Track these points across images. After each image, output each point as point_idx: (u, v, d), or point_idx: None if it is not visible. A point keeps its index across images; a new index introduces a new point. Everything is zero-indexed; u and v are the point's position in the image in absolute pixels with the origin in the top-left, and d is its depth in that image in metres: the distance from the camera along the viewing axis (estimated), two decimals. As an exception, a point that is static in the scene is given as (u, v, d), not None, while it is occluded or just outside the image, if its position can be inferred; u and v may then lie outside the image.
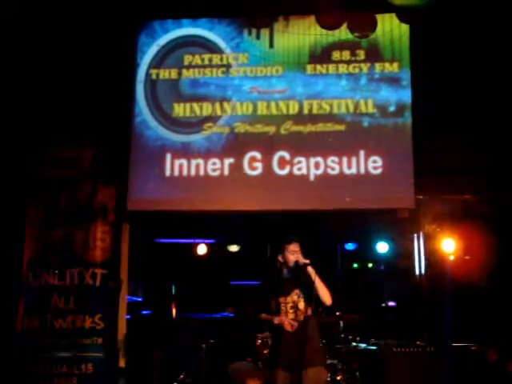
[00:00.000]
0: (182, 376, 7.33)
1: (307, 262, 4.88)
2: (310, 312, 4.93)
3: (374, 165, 6.70)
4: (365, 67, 6.93)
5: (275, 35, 7.07)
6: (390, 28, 6.93)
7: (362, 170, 6.70)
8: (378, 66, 6.92)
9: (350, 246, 10.18)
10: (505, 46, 6.53)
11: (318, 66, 6.97)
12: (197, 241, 9.88)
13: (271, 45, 7.07)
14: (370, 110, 6.83)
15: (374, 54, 6.94)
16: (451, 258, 7.56)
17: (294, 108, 6.90)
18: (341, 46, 6.97)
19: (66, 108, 6.90)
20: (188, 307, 9.48)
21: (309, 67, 6.99)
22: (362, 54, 6.95)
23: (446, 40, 6.59)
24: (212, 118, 6.99)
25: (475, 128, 6.69)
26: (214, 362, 7.14)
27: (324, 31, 6.94)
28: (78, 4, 6.58)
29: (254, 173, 6.81)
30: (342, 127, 6.84)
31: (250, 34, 7.12)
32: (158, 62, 7.16)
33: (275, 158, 6.80)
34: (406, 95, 6.81)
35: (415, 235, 8.07)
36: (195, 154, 6.91)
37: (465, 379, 6.38)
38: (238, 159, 6.83)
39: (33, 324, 6.52)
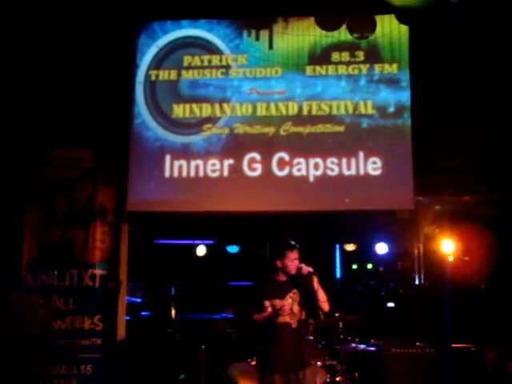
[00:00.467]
0: (181, 377, 7.33)
1: (311, 270, 4.89)
2: (304, 316, 4.95)
3: (374, 166, 6.70)
4: (364, 68, 6.93)
5: (274, 36, 7.07)
6: (390, 29, 6.93)
7: (362, 171, 6.70)
8: (377, 67, 6.92)
9: (349, 247, 10.19)
10: (504, 46, 6.54)
11: (318, 67, 6.97)
12: (196, 242, 9.88)
13: (270, 46, 7.07)
14: (370, 111, 6.83)
15: (374, 55, 6.94)
16: (450, 258, 7.56)
17: (293, 109, 6.91)
18: (340, 47, 6.97)
19: (66, 109, 6.90)
20: (187, 308, 9.48)
21: (308, 68, 6.99)
22: (361, 55, 6.95)
23: (444, 41, 6.60)
24: (211, 119, 6.99)
25: (474, 129, 6.70)
26: (213, 363, 7.14)
27: (323, 32, 6.95)
28: (78, 5, 6.58)
29: (254, 174, 6.81)
30: (341, 128, 6.84)
31: (249, 35, 7.12)
32: (158, 63, 7.16)
33: (274, 159, 6.80)
34: (405, 96, 6.81)
35: (414, 236, 8.07)
36: (195, 155, 6.90)
37: (464, 380, 6.39)
38: (237, 160, 6.83)
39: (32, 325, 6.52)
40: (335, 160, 6.74)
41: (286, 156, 6.81)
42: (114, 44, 6.85)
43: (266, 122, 6.92)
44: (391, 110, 6.82)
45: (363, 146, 6.75)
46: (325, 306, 4.92)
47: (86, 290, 6.62)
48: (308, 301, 4.93)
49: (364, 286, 10.73)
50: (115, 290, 6.73)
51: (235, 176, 6.82)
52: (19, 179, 6.81)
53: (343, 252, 10.51)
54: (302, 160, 6.78)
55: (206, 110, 7.01)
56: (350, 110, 6.86)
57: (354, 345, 6.86)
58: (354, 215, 7.19)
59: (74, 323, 6.53)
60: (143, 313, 9.56)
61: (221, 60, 7.11)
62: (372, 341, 7.12)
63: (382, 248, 9.22)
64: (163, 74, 7.13)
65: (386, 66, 6.92)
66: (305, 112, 6.89)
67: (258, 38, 7.10)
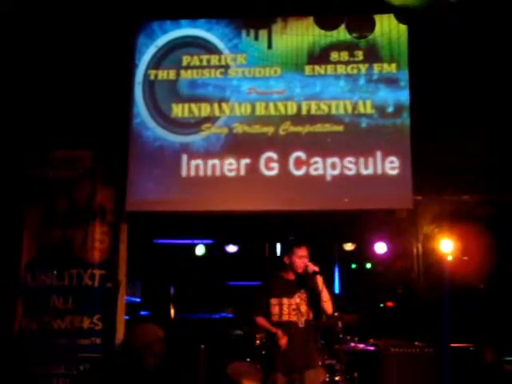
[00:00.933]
0: (180, 377, 7.32)
1: (317, 269, 4.87)
2: (311, 316, 4.94)
3: (373, 165, 6.70)
4: (363, 68, 6.93)
5: (273, 36, 7.07)
6: (389, 29, 6.93)
7: (361, 171, 6.70)
8: (376, 67, 6.92)
9: (348, 247, 10.18)
10: (503, 46, 6.54)
11: (317, 67, 6.97)
12: (195, 241, 9.88)
13: (269, 46, 7.07)
14: (369, 110, 6.83)
15: (373, 55, 6.94)
16: (449, 258, 7.56)
17: (292, 109, 6.91)
18: (339, 46, 6.97)
19: (65, 109, 6.90)
20: (187, 308, 9.49)
21: (307, 68, 6.99)
22: (360, 55, 6.95)
23: (443, 40, 6.60)
24: (210, 119, 6.99)
25: (473, 129, 6.70)
26: (212, 363, 7.14)
27: (322, 32, 6.95)
28: (77, 5, 6.58)
29: (253, 173, 6.81)
30: (340, 128, 6.84)
31: (248, 34, 7.12)
32: (157, 62, 7.16)
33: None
34: (404, 96, 6.81)
35: (413, 236, 8.06)
36: (194, 155, 6.91)
37: (463, 379, 6.39)
38: (237, 160, 6.83)
39: (31, 325, 6.52)
40: (334, 160, 6.74)
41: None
42: (113, 44, 6.84)
43: (265, 121, 6.92)
44: (390, 109, 6.82)
45: (362, 146, 6.75)
46: (328, 306, 4.91)
47: (86, 290, 6.62)
48: (312, 301, 4.92)
49: (363, 285, 10.73)
50: (114, 289, 6.73)
51: (234, 176, 6.82)
52: (19, 179, 6.81)
53: (342, 251, 10.51)
54: (300, 160, 6.79)
55: (204, 110, 7.01)
56: (349, 110, 6.86)
57: (353, 344, 6.86)
58: (353, 215, 7.19)
59: (74, 323, 6.53)
60: (142, 312, 9.57)
61: (220, 60, 7.11)
62: (371, 340, 7.12)
63: (380, 248, 9.22)
64: (162, 74, 7.13)
65: (385, 65, 6.92)
66: (304, 112, 6.90)
67: (256, 38, 7.11)
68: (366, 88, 6.89)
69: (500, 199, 6.89)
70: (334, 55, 6.97)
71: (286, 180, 6.77)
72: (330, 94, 6.92)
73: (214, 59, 7.11)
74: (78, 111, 6.87)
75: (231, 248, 10.06)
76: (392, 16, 6.87)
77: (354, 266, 10.97)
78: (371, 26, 6.90)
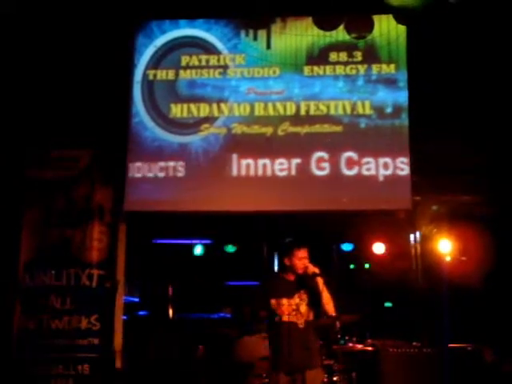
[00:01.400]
0: (179, 377, 7.33)
1: (317, 271, 4.88)
2: (311, 316, 4.94)
3: (371, 166, 6.70)
4: (362, 68, 6.93)
5: (272, 36, 7.07)
6: (387, 29, 6.93)
7: (359, 171, 6.71)
8: (374, 68, 6.92)
9: (346, 247, 10.20)
10: (502, 46, 6.54)
11: (316, 68, 6.97)
12: (193, 241, 9.88)
13: (268, 46, 7.07)
14: (367, 111, 6.83)
15: (371, 56, 6.94)
16: (448, 258, 7.58)
17: (291, 109, 6.91)
18: (338, 47, 6.97)
19: (64, 109, 6.89)
20: (185, 308, 9.49)
21: (306, 68, 6.99)
22: (359, 56, 6.95)
23: (442, 41, 6.60)
24: (209, 119, 6.99)
25: (472, 129, 6.71)
26: (211, 363, 7.14)
27: (321, 32, 6.95)
28: (76, 5, 6.57)
29: (251, 174, 6.82)
30: (339, 128, 6.85)
31: (247, 35, 7.12)
32: (155, 62, 7.16)
33: (276, 159, 6.81)
34: (402, 96, 6.82)
35: (412, 236, 8.08)
36: (192, 155, 6.91)
37: (461, 380, 6.39)
38: (236, 160, 6.83)
39: (29, 324, 6.51)
40: (333, 160, 6.74)
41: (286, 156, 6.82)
42: (112, 44, 6.83)
43: (264, 121, 6.92)
44: (389, 110, 6.82)
45: (361, 146, 6.76)
46: (329, 308, 4.91)
47: (84, 290, 6.61)
48: (312, 302, 4.92)
49: (361, 285, 10.73)
50: (112, 289, 6.72)
51: (234, 176, 6.82)
52: (17, 179, 6.80)
53: (340, 252, 10.51)
54: (300, 160, 6.79)
55: (203, 110, 7.01)
56: (348, 110, 6.86)
57: (351, 344, 6.87)
58: (352, 215, 7.19)
59: (71, 323, 6.51)
60: (141, 312, 9.56)
61: (218, 60, 7.11)
62: (369, 341, 7.13)
63: (379, 248, 9.23)
64: (161, 74, 7.13)
65: (384, 66, 6.92)
66: (303, 112, 6.90)
67: (255, 38, 7.10)
68: (365, 88, 6.90)
69: (498, 200, 6.90)
70: (332, 56, 6.97)
71: (281, 180, 6.77)
72: (329, 95, 6.92)
73: (213, 59, 7.11)
74: (77, 111, 6.86)
75: (230, 248, 10.07)
76: (391, 17, 6.86)
77: (352, 266, 10.98)
78: (370, 27, 6.90)
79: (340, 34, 6.95)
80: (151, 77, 7.14)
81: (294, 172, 6.76)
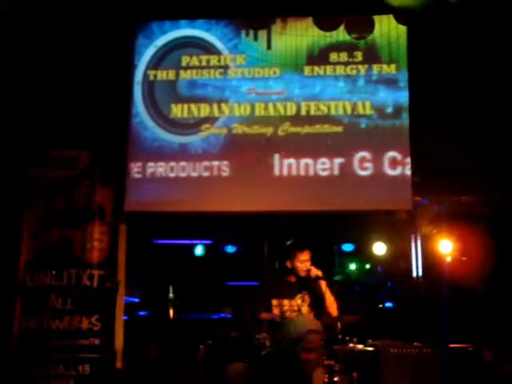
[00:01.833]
0: (179, 377, 7.32)
1: (320, 274, 4.88)
2: (312, 317, 4.94)
3: (372, 166, 6.71)
4: (362, 69, 6.93)
5: (273, 36, 7.07)
6: (388, 29, 6.93)
7: (360, 172, 6.71)
8: (375, 68, 6.92)
9: (347, 247, 10.20)
10: (502, 46, 6.54)
11: (316, 68, 6.97)
12: (194, 242, 9.88)
13: (269, 46, 7.07)
14: (368, 111, 6.83)
15: (372, 56, 6.94)
16: (448, 259, 7.57)
17: (291, 109, 6.91)
18: (338, 47, 6.97)
19: (65, 109, 6.89)
20: (185, 308, 9.48)
21: (306, 69, 6.99)
22: (359, 56, 6.95)
23: (443, 41, 6.60)
24: (210, 119, 6.99)
25: (472, 129, 6.71)
26: (211, 363, 7.14)
27: (321, 33, 6.95)
28: (76, 5, 6.57)
29: (253, 174, 6.82)
30: (339, 129, 6.85)
31: (247, 35, 7.12)
32: (156, 63, 7.16)
33: (274, 159, 6.81)
34: (403, 96, 6.82)
35: (412, 236, 8.07)
36: (192, 155, 6.91)
37: (461, 380, 6.39)
38: (236, 160, 6.83)
39: (30, 325, 6.52)
40: (333, 160, 6.74)
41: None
42: (113, 44, 6.84)
43: (264, 122, 6.92)
44: (389, 110, 6.82)
45: (361, 147, 6.76)
46: (332, 310, 4.92)
47: (84, 290, 6.61)
48: (314, 304, 4.92)
49: (362, 286, 10.74)
50: (113, 289, 6.73)
51: (233, 176, 6.82)
52: (18, 179, 6.80)
53: (341, 252, 10.52)
54: (299, 160, 6.79)
55: (204, 110, 7.01)
56: (349, 111, 6.86)
57: (352, 345, 6.86)
58: (352, 215, 7.19)
59: (72, 323, 6.51)
60: (141, 313, 9.56)
61: (219, 60, 7.11)
62: (370, 341, 7.12)
63: (380, 248, 9.23)
64: (161, 74, 7.13)
65: (385, 66, 6.92)
66: (303, 112, 6.90)
67: (256, 38, 7.10)
68: (366, 89, 6.89)
69: (499, 200, 6.89)
70: (333, 56, 6.97)
71: (280, 180, 6.78)
72: (330, 95, 6.92)
73: (214, 60, 7.11)
74: (77, 111, 6.87)
75: (230, 248, 10.08)
76: (391, 17, 6.85)
77: (353, 266, 10.98)
78: (370, 27, 6.90)
79: (340, 34, 6.94)
80: (152, 77, 7.14)
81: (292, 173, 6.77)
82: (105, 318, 6.59)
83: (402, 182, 6.62)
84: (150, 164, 6.90)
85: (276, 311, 4.96)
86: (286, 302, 4.94)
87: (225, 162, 6.84)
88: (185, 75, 7.11)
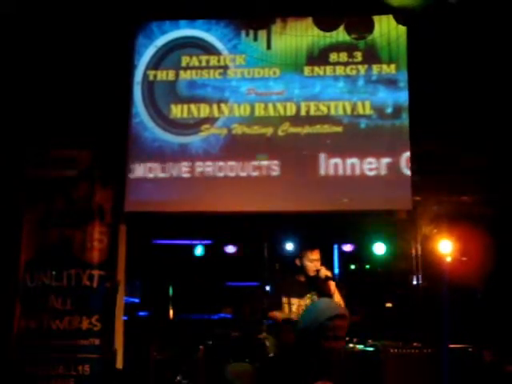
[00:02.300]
0: (178, 377, 7.32)
1: (329, 275, 4.89)
2: None
3: (371, 166, 6.71)
4: (362, 69, 6.94)
5: (273, 37, 7.07)
6: (388, 30, 6.94)
7: (359, 172, 6.71)
8: (375, 68, 6.93)
9: (347, 248, 10.18)
10: (503, 46, 6.54)
11: (316, 68, 6.98)
12: (194, 242, 9.87)
13: (269, 46, 7.07)
14: (368, 111, 6.84)
15: (372, 56, 6.95)
16: (448, 259, 7.56)
17: (291, 109, 6.91)
18: (338, 47, 6.98)
19: (64, 109, 6.89)
20: (185, 308, 9.48)
21: (306, 69, 6.99)
22: (359, 56, 6.96)
23: (443, 41, 6.60)
24: (209, 120, 7.00)
25: (473, 129, 6.71)
26: (211, 363, 7.13)
27: (321, 33, 6.96)
28: (76, 5, 6.57)
29: (251, 174, 6.82)
30: (339, 129, 6.85)
31: (247, 35, 7.12)
32: (156, 63, 7.16)
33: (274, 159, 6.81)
34: (403, 97, 6.82)
35: (412, 237, 8.06)
36: (192, 156, 6.91)
37: (461, 380, 6.38)
38: (235, 161, 6.83)
39: (30, 325, 6.51)
40: (333, 160, 6.75)
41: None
42: (112, 44, 6.84)
43: (264, 122, 6.92)
44: (389, 110, 6.83)
45: (361, 147, 6.76)
46: None
47: (84, 290, 6.60)
48: None
49: (362, 286, 10.71)
50: (113, 290, 6.72)
51: (233, 176, 6.82)
52: (17, 179, 6.80)
53: (341, 252, 10.49)
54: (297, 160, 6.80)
55: (204, 111, 7.01)
56: (348, 111, 6.86)
57: (352, 345, 6.86)
58: (352, 215, 7.19)
59: (72, 323, 6.51)
60: (141, 313, 9.56)
61: (219, 60, 7.11)
62: (370, 341, 7.12)
63: (379, 248, 9.22)
64: (161, 75, 7.14)
65: (384, 66, 6.92)
66: (303, 112, 6.90)
67: (256, 39, 7.11)
68: (365, 89, 6.90)
69: (499, 200, 6.89)
70: (333, 56, 6.98)
71: (277, 181, 6.78)
72: (329, 95, 6.92)
73: (213, 60, 7.11)
74: (77, 111, 6.87)
75: (230, 249, 10.07)
76: (391, 17, 6.87)
77: (352, 266, 10.96)
78: (370, 27, 6.90)
79: (340, 34, 6.95)
80: (151, 77, 7.14)
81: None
82: (105, 318, 6.58)
83: (402, 182, 6.63)
84: (150, 164, 6.91)
85: (285, 309, 4.97)
86: (295, 300, 4.96)
87: (225, 162, 6.84)
88: (185, 75, 7.11)
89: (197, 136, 6.97)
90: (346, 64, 6.96)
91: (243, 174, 6.81)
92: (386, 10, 6.68)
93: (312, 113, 6.89)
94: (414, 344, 6.71)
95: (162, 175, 6.89)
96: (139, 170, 6.90)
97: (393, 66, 6.91)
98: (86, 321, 6.53)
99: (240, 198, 6.82)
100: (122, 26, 6.88)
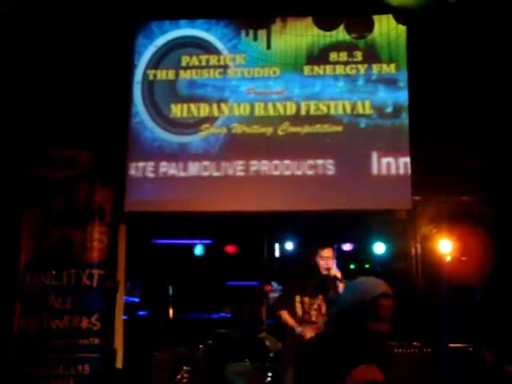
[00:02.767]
0: (179, 377, 7.32)
1: (338, 275, 4.89)
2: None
3: (371, 166, 6.71)
4: (362, 68, 6.94)
5: (273, 36, 7.07)
6: (387, 29, 6.94)
7: (359, 171, 6.71)
8: (375, 67, 6.93)
9: (346, 247, 10.18)
10: (502, 45, 6.54)
11: (316, 67, 6.97)
12: (194, 242, 9.87)
13: (268, 46, 7.07)
14: (367, 111, 6.84)
15: (371, 55, 6.95)
16: (448, 258, 7.56)
17: (291, 109, 6.91)
18: (338, 47, 6.98)
19: (64, 109, 6.89)
20: (185, 308, 9.47)
21: (306, 68, 6.99)
22: (359, 55, 6.96)
23: (442, 41, 6.60)
24: (209, 119, 7.00)
25: (472, 129, 6.71)
26: (211, 363, 7.13)
27: (321, 32, 6.96)
28: (76, 5, 6.57)
29: (251, 173, 6.82)
30: (339, 128, 6.85)
31: (247, 35, 7.12)
32: (156, 62, 7.16)
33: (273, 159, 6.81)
34: (402, 96, 6.82)
35: (412, 236, 8.06)
36: (192, 155, 6.91)
37: (461, 380, 6.39)
38: (235, 160, 6.83)
39: (30, 324, 6.51)
40: (333, 160, 6.75)
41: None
42: (112, 44, 6.84)
43: (264, 121, 6.92)
44: (389, 109, 6.83)
45: (361, 146, 6.76)
46: None
47: (84, 290, 6.61)
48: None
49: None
50: (113, 289, 6.72)
51: (233, 176, 6.82)
52: (17, 179, 6.80)
53: (341, 252, 10.49)
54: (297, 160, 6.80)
55: (203, 110, 7.01)
56: (348, 110, 6.86)
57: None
58: (352, 215, 7.19)
59: (72, 323, 6.51)
60: (141, 312, 9.55)
61: (219, 60, 7.11)
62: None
63: (379, 248, 9.22)
64: (161, 74, 7.14)
65: (384, 66, 6.92)
66: (303, 112, 6.90)
67: (256, 38, 7.11)
68: (365, 88, 6.90)
69: (499, 200, 6.89)
70: (333, 55, 6.98)
71: (278, 180, 6.78)
72: (329, 95, 6.92)
73: (213, 59, 7.11)
74: (77, 111, 6.87)
75: (230, 248, 10.07)
76: (391, 16, 6.87)
77: (352, 266, 10.96)
78: (370, 27, 6.91)
79: (340, 34, 6.95)
80: (151, 77, 7.14)
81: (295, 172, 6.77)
82: (105, 318, 6.58)
83: (402, 182, 6.63)
84: (150, 164, 6.91)
85: (298, 308, 4.98)
86: (307, 299, 4.97)
87: (225, 163, 6.84)
88: (184, 75, 7.11)
89: (197, 135, 6.97)
90: (345, 63, 6.96)
91: (243, 174, 6.81)
92: (385, 9, 6.68)
93: (312, 112, 6.89)
94: (414, 343, 6.72)
95: (161, 175, 6.88)
96: (139, 170, 6.90)
97: (393, 66, 6.91)
98: (85, 320, 6.54)
99: (240, 198, 6.82)
100: (122, 25, 6.88)
